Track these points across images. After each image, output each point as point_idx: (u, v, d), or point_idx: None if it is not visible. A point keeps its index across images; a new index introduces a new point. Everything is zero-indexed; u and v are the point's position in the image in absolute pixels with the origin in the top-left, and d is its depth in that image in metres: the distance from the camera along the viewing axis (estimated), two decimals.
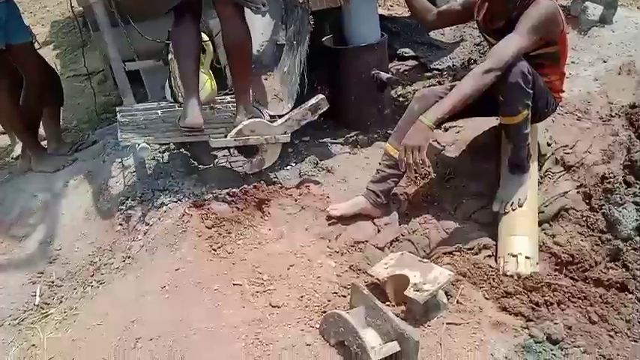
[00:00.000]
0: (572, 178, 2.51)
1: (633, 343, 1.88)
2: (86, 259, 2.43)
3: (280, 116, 2.66)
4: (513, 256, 2.17)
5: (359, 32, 2.97)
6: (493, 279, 2.11)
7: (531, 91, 2.17)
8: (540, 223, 2.37)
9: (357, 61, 2.96)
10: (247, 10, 2.46)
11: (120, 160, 2.76)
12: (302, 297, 2.03)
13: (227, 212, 2.42)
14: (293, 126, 2.59)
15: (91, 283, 2.32)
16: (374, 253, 2.30)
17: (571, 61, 3.20)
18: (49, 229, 2.58)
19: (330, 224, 2.42)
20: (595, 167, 2.49)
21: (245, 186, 2.51)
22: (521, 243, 2.20)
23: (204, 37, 2.83)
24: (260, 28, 3.30)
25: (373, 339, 1.70)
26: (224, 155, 2.77)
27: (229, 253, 2.24)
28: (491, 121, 2.65)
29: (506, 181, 2.42)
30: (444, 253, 2.29)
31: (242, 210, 2.45)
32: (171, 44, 2.61)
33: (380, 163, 2.47)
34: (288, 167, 2.77)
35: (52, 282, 2.37)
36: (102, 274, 2.34)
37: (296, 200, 2.53)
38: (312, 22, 2.64)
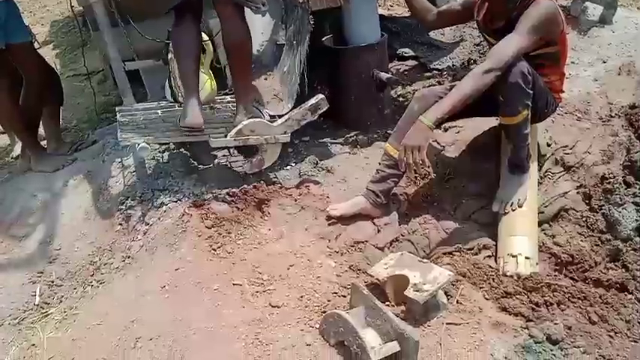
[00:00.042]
0: (571, 179, 2.51)
1: (633, 343, 1.88)
2: (86, 258, 2.43)
3: (280, 116, 2.66)
4: (513, 256, 2.17)
5: (359, 32, 2.97)
6: (493, 279, 2.11)
7: (531, 92, 2.17)
8: (540, 224, 2.37)
9: (357, 61, 2.96)
10: (247, 10, 2.47)
11: (120, 159, 2.76)
12: (302, 297, 2.03)
13: (227, 212, 2.42)
14: (293, 126, 2.59)
15: (91, 282, 2.32)
16: (374, 253, 2.29)
17: (571, 61, 3.21)
18: (49, 229, 2.58)
19: (329, 224, 2.42)
20: (595, 168, 2.49)
21: (245, 186, 2.51)
22: (521, 243, 2.21)
23: (204, 36, 2.83)
24: (260, 27, 3.30)
25: (373, 339, 1.70)
26: (224, 155, 2.77)
27: (229, 253, 2.24)
28: (491, 122, 2.65)
29: (506, 182, 2.42)
30: (444, 254, 2.29)
31: (242, 210, 2.45)
32: (171, 44, 2.61)
33: (380, 163, 2.47)
34: (288, 167, 2.77)
35: (52, 282, 2.37)
36: (102, 273, 2.34)
37: (296, 200, 2.53)
38: (312, 22, 2.64)
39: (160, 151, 2.77)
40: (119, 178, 2.68)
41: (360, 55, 2.96)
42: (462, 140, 2.76)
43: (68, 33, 5.59)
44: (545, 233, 2.36)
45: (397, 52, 3.80)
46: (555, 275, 2.16)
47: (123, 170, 2.70)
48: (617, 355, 1.84)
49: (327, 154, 2.86)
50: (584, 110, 2.84)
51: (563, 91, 2.53)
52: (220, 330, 1.88)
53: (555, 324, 1.91)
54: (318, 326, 1.87)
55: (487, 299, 2.05)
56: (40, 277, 2.39)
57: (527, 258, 2.16)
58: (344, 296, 2.02)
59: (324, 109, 2.61)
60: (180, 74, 2.54)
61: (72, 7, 3.01)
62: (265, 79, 3.22)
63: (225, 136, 2.53)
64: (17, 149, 3.27)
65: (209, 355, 1.80)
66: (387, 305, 1.93)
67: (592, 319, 1.94)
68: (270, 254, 2.25)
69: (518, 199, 2.32)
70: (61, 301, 2.29)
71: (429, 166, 2.64)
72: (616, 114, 2.77)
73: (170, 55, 2.77)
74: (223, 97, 2.98)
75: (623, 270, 2.11)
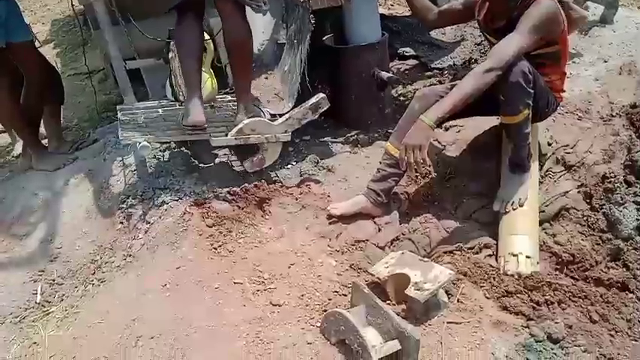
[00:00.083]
0: (572, 178, 2.51)
1: (634, 342, 1.88)
2: (87, 257, 2.43)
3: (281, 115, 2.66)
4: (514, 255, 2.17)
5: (360, 31, 2.97)
6: (494, 278, 2.11)
7: (532, 91, 2.17)
8: (541, 223, 2.37)
9: (358, 60, 2.97)
10: (248, 9, 2.47)
11: (121, 158, 2.76)
12: (303, 296, 2.03)
13: (228, 211, 2.42)
14: (294, 125, 2.59)
15: (92, 281, 2.32)
16: (374, 252, 2.30)
17: (572, 60, 3.21)
18: (50, 228, 2.58)
19: (330, 223, 2.42)
20: (596, 167, 2.49)
21: (246, 185, 2.52)
22: (521, 242, 2.21)
23: (205, 35, 2.83)
24: (261, 27, 3.31)
25: (374, 338, 1.71)
26: (225, 154, 2.77)
27: (230, 252, 2.24)
28: (492, 121, 2.65)
29: (507, 181, 2.42)
30: (445, 252, 2.29)
31: (243, 209, 2.45)
32: (174, 43, 2.61)
33: (380, 162, 2.47)
34: (289, 166, 2.77)
35: (53, 280, 2.37)
36: (103, 272, 2.34)
37: (297, 199, 2.53)
38: (312, 21, 2.64)
39: (160, 150, 2.76)
40: (120, 176, 2.68)
41: (361, 54, 2.96)
42: (462, 139, 2.76)
43: (69, 32, 5.60)
44: (546, 232, 2.36)
45: (398, 52, 3.80)
46: (556, 274, 2.16)
47: (124, 169, 2.70)
48: (618, 354, 1.84)
49: (327, 153, 2.86)
50: (585, 110, 2.84)
51: (564, 91, 2.52)
52: (221, 328, 1.89)
53: (556, 323, 1.90)
54: (319, 325, 1.87)
55: (488, 298, 2.05)
56: (41, 275, 2.39)
57: (527, 257, 2.16)
58: (345, 295, 2.02)
59: (325, 108, 2.61)
60: (183, 73, 2.54)
61: (73, 5, 3.02)
62: (266, 78, 3.22)
63: (226, 135, 2.53)
64: (18, 148, 3.27)
65: (210, 353, 1.80)
66: (388, 304, 1.93)
67: (593, 318, 1.94)
68: (271, 253, 2.25)
69: (519, 199, 2.32)
70: (62, 300, 2.29)
71: (429, 166, 2.64)
72: (617, 113, 2.77)
73: (171, 54, 2.77)
74: (224, 96, 2.99)
75: (624, 269, 2.11)
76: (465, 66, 3.57)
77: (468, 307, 1.98)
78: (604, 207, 2.31)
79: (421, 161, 2.05)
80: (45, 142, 3.18)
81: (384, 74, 2.94)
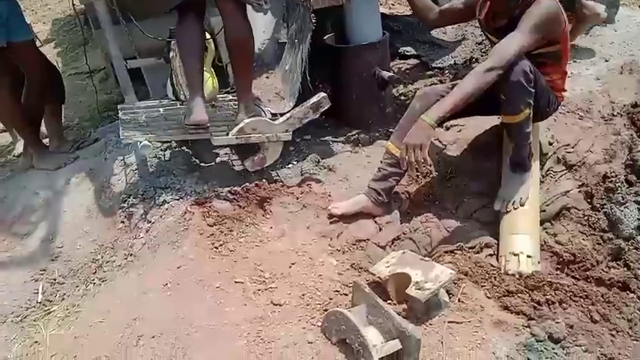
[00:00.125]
0: (573, 177, 2.51)
1: (635, 342, 1.87)
2: (88, 256, 2.44)
3: (282, 114, 2.66)
4: (515, 254, 2.17)
5: (360, 31, 2.97)
6: (495, 278, 2.11)
7: (533, 90, 2.17)
8: (542, 222, 2.37)
9: (359, 59, 2.96)
10: (249, 8, 2.47)
11: (122, 157, 2.77)
12: (303, 295, 2.03)
13: (229, 210, 2.42)
14: (294, 124, 2.59)
15: (93, 280, 2.32)
16: (375, 251, 2.30)
17: (573, 60, 3.20)
18: (51, 227, 2.59)
19: (331, 222, 2.42)
20: (597, 166, 2.49)
21: (247, 184, 2.52)
22: (522, 242, 2.21)
23: (206, 35, 2.83)
24: (262, 26, 3.31)
25: (375, 337, 1.71)
26: (226, 153, 2.77)
27: (231, 251, 2.24)
28: (493, 120, 2.65)
29: (508, 180, 2.42)
30: (446, 252, 2.29)
31: (244, 208, 2.45)
32: (175, 42, 2.61)
33: (381, 162, 2.47)
34: (290, 165, 2.77)
35: (55, 279, 2.38)
36: (104, 271, 2.34)
37: (297, 198, 2.53)
38: (313, 21, 2.64)
39: (161, 149, 2.77)
40: (121, 176, 2.68)
41: (362, 53, 2.96)
42: (463, 139, 2.76)
43: (70, 31, 5.60)
44: (546, 232, 2.36)
45: (399, 51, 3.80)
46: (557, 274, 2.16)
47: (125, 168, 2.70)
48: (619, 354, 1.83)
49: (328, 153, 2.86)
50: (586, 109, 2.84)
51: (565, 90, 2.52)
52: (222, 328, 1.89)
53: (557, 322, 1.90)
54: (320, 324, 1.87)
55: (489, 298, 2.05)
56: (42, 274, 2.40)
57: (528, 256, 2.16)
58: (346, 294, 2.02)
59: (326, 108, 2.61)
60: (185, 73, 2.54)
61: (74, 5, 3.02)
62: (267, 77, 3.22)
63: (227, 135, 2.53)
64: (19, 147, 3.27)
65: (211, 352, 1.80)
66: (389, 303, 1.93)
67: (594, 318, 1.94)
68: (271, 252, 2.26)
69: (520, 198, 2.32)
70: (63, 299, 2.30)
71: (430, 165, 2.64)
72: (618, 113, 2.77)
73: (172, 53, 2.77)
74: (225, 95, 2.99)
75: (625, 269, 2.11)
76: (466, 65, 3.57)
77: (469, 307, 1.98)
78: (605, 206, 2.31)
79: (422, 160, 2.05)
80: (46, 141, 3.18)
81: (385, 73, 2.94)
